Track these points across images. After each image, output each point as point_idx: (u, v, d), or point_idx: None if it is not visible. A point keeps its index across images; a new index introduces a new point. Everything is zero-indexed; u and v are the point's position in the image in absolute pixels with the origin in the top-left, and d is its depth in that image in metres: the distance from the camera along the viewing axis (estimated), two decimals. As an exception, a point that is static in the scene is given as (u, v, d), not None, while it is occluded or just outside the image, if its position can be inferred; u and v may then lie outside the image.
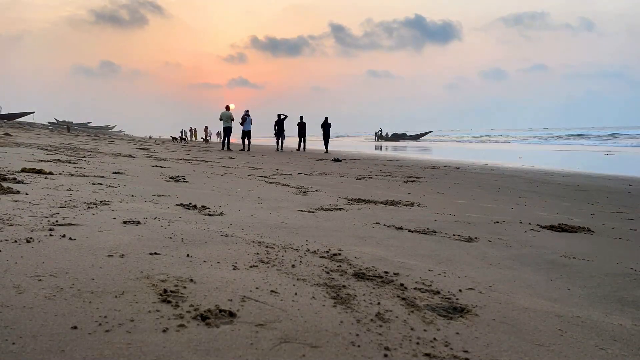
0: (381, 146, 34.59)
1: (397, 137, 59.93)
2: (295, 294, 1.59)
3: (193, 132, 44.58)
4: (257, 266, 1.88)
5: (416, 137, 60.46)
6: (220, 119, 19.48)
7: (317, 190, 5.08)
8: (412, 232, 2.92)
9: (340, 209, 3.71)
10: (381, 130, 60.87)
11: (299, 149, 21.44)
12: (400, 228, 3.01)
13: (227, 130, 19.49)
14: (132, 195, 3.59)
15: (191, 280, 1.64)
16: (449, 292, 1.74)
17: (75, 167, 5.63)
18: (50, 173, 4.55)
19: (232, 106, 19.76)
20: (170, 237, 2.26)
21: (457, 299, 1.66)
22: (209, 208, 3.27)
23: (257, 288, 1.61)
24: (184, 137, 27.52)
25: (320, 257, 2.12)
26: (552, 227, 3.35)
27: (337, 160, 12.66)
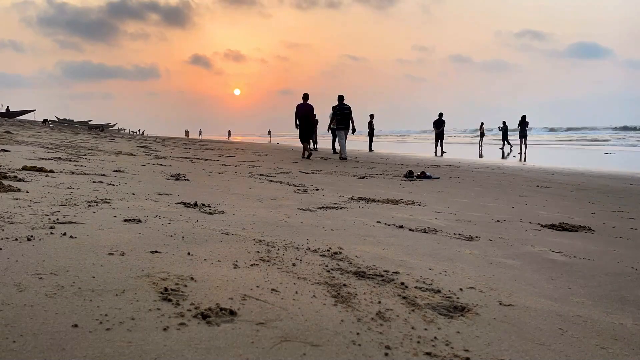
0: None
1: None
2: (296, 292, 1.59)
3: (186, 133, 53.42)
4: (257, 265, 1.88)
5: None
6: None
7: (317, 189, 5.08)
8: (412, 230, 2.92)
9: (341, 208, 3.71)
10: None
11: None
12: (401, 227, 3.01)
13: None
14: (133, 194, 3.59)
15: (192, 278, 1.64)
16: (449, 291, 1.74)
17: (75, 165, 5.63)
18: (51, 171, 4.56)
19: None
20: (171, 236, 2.26)
21: (457, 298, 1.66)
22: (209, 206, 3.27)
23: (257, 287, 1.61)
24: None
25: (321, 255, 2.12)
26: (552, 226, 3.35)
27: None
